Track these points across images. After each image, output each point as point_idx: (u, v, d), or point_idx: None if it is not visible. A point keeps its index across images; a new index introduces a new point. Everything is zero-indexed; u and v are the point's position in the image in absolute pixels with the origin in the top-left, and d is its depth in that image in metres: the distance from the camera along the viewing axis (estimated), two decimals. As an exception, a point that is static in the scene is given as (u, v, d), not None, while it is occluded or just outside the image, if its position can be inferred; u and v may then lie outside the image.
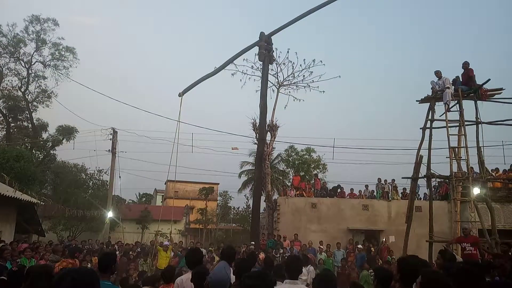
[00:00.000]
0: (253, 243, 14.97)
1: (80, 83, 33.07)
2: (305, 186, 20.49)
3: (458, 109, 12.28)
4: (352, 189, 20.32)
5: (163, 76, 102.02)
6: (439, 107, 12.51)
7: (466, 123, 12.12)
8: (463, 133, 12.05)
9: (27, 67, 26.45)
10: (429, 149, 12.63)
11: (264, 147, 18.61)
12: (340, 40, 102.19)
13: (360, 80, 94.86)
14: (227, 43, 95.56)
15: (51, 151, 27.79)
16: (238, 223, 32.96)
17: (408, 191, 16.48)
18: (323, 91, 21.04)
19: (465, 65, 12.53)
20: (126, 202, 32.31)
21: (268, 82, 18.39)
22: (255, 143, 19.21)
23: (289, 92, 21.27)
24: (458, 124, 12.26)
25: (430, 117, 12.64)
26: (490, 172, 15.58)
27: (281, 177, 30.10)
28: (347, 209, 18.94)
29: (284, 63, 20.77)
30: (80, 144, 24.57)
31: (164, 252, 13.05)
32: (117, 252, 13.04)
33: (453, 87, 12.23)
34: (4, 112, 26.81)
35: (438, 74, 12.54)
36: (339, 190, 20.33)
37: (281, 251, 14.52)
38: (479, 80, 12.21)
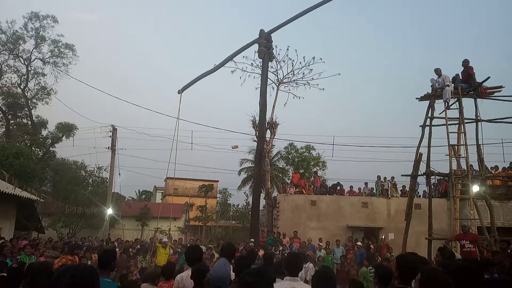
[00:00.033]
0: (253, 240, 14.99)
1: (80, 80, 33.15)
2: (304, 184, 20.53)
3: (458, 107, 12.31)
4: (351, 187, 20.37)
5: (163, 76, 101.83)
6: (439, 105, 12.55)
7: (465, 121, 12.14)
8: (463, 131, 12.08)
9: (26, 64, 26.35)
10: (429, 146, 12.65)
11: (264, 144, 18.53)
12: (339, 39, 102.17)
13: (360, 79, 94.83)
14: (227, 43, 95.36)
15: (51, 148, 27.72)
16: (238, 220, 32.98)
17: (407, 188, 16.49)
18: (323, 89, 21.00)
19: (465, 63, 12.53)
20: (126, 199, 32.28)
21: (268, 79, 18.31)
22: (255, 141, 19.17)
23: (289, 89, 21.21)
24: (457, 121, 12.28)
25: (429, 115, 12.64)
26: (490, 170, 15.57)
27: (280, 175, 30.10)
28: (346, 207, 18.96)
29: (284, 61, 20.68)
30: (80, 141, 24.60)
31: (163, 249, 13.17)
32: (117, 249, 13.05)
33: (453, 85, 12.23)
34: (4, 109, 26.75)
35: (438, 72, 12.54)
36: (338, 188, 20.33)
37: (281, 248, 14.54)
38: (479, 79, 12.21)
